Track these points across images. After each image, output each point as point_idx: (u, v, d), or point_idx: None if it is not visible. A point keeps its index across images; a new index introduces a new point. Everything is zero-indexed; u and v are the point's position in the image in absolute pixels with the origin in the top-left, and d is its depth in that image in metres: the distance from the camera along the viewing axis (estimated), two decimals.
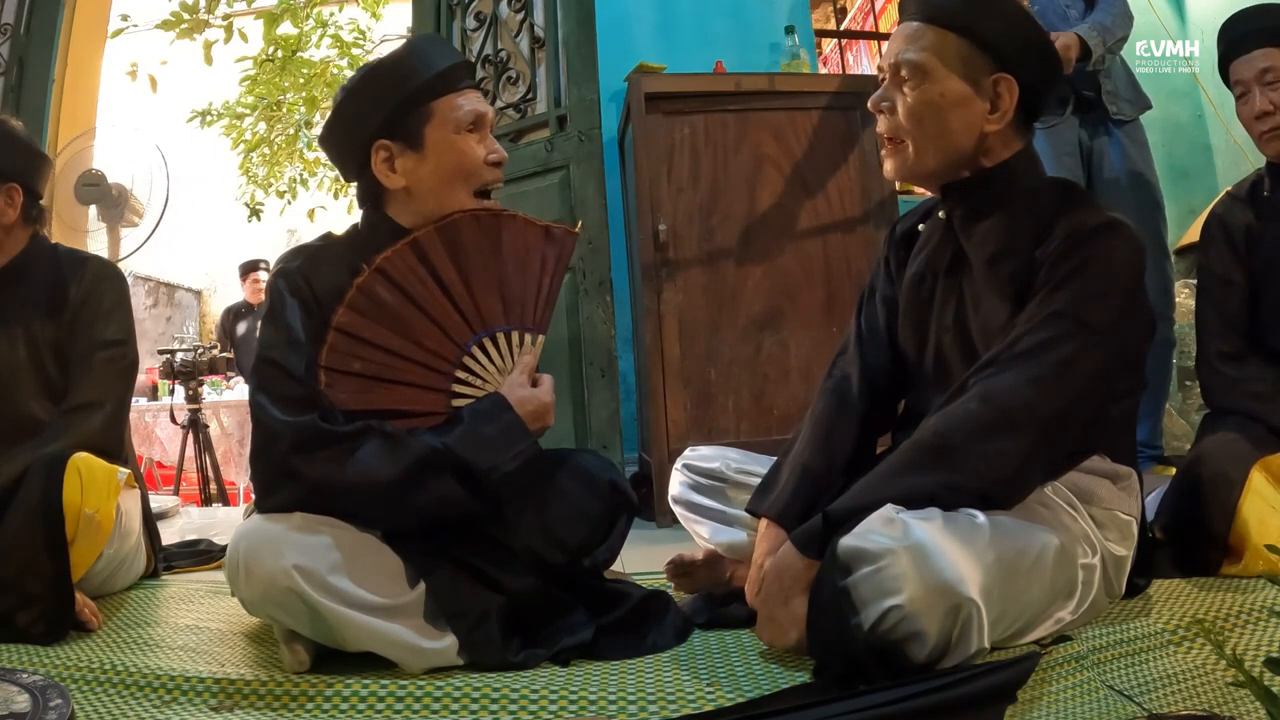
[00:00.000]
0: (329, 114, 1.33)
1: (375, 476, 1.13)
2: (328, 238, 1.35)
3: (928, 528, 0.94)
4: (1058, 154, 2.30)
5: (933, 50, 1.18)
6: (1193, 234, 2.85)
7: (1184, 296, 3.07)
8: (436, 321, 1.26)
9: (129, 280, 1.79)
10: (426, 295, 1.25)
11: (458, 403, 1.25)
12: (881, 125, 1.24)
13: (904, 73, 1.19)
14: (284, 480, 1.13)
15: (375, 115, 1.27)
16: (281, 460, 1.13)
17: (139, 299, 6.71)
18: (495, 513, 1.20)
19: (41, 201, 1.70)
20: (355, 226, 1.35)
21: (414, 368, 1.24)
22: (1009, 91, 1.18)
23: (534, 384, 1.29)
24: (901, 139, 1.22)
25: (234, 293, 7.69)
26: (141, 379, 3.80)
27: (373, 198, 1.32)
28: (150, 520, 1.74)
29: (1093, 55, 2.18)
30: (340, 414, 1.19)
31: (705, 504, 1.41)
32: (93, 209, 3.02)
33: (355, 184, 1.34)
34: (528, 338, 1.31)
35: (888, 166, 1.26)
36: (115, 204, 3.03)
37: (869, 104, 1.25)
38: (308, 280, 1.25)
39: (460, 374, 1.27)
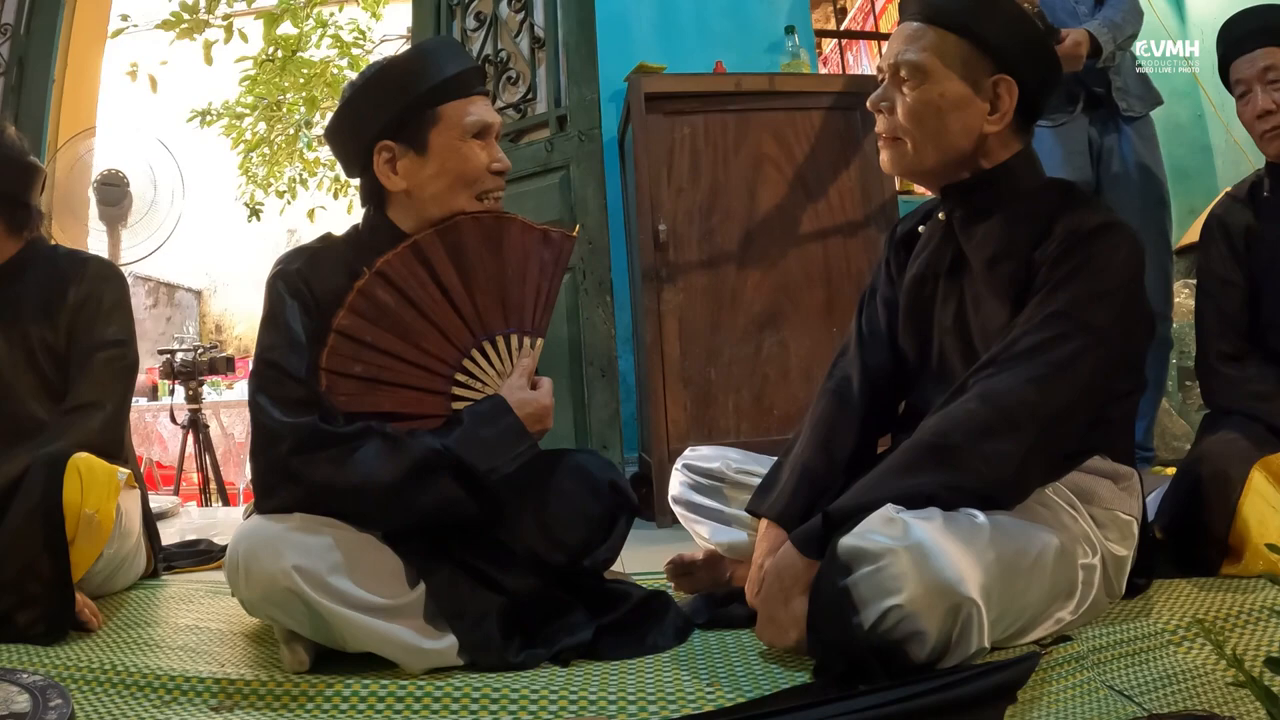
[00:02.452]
0: (336, 109, 1.33)
1: (375, 478, 1.13)
2: (327, 239, 1.35)
3: (928, 527, 0.94)
4: (1067, 152, 2.29)
5: (933, 50, 1.18)
6: (1193, 234, 2.85)
7: (1184, 296, 3.07)
8: (436, 325, 1.26)
9: (129, 280, 1.79)
10: (427, 298, 1.25)
11: (457, 405, 1.26)
12: (880, 125, 1.24)
13: (904, 73, 1.19)
14: (284, 481, 1.13)
15: (381, 115, 1.26)
16: (281, 461, 1.13)
17: (139, 299, 6.72)
18: (495, 515, 1.20)
19: (35, 208, 1.69)
20: (355, 228, 1.35)
21: (414, 370, 1.25)
22: (1009, 93, 1.18)
23: (533, 387, 1.29)
24: (900, 138, 1.22)
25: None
26: (141, 379, 3.80)
27: (375, 198, 1.32)
28: (150, 520, 1.74)
29: (1103, 52, 2.16)
30: (340, 416, 1.19)
31: (705, 504, 1.41)
32: (99, 209, 3.02)
33: (359, 182, 1.34)
34: (526, 341, 1.31)
35: (885, 159, 1.26)
36: (133, 205, 3.03)
37: (868, 103, 1.25)
38: (307, 282, 1.25)
39: (460, 377, 1.27)
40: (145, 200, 3.04)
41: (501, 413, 1.23)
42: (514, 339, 1.30)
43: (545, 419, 1.27)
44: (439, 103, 1.26)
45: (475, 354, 1.28)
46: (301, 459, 1.13)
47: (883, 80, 1.24)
